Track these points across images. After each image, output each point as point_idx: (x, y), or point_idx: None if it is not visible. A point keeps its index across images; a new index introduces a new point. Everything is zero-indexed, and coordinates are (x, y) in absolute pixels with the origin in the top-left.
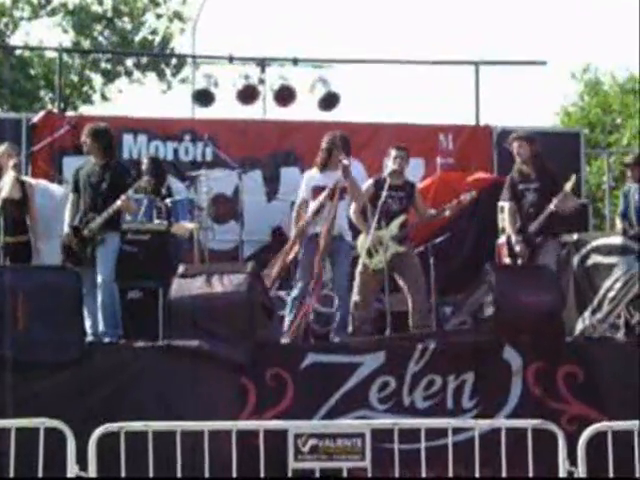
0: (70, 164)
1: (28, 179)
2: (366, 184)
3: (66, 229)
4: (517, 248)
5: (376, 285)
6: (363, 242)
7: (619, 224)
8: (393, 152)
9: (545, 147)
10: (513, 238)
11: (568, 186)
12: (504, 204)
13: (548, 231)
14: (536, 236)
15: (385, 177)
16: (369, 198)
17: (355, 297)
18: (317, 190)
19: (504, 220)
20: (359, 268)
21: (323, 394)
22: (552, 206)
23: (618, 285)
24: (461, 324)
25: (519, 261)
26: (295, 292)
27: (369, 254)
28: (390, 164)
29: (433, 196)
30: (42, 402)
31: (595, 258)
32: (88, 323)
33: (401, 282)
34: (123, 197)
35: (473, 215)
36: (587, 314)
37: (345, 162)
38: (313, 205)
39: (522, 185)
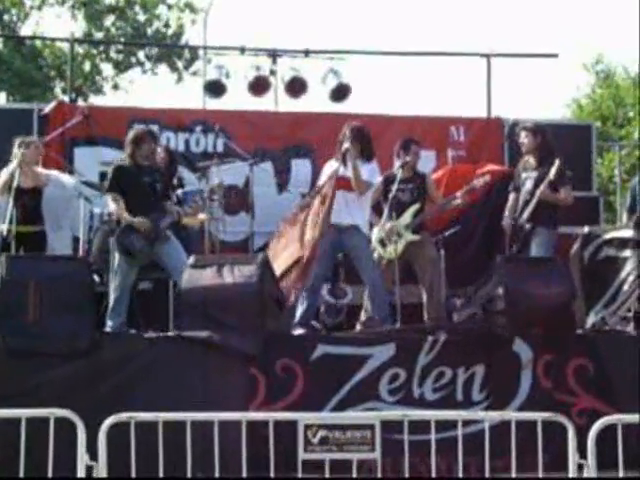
0: (81, 154)
1: (41, 169)
2: (377, 181)
3: (145, 225)
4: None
5: (390, 275)
6: (376, 234)
7: (625, 218)
8: (404, 145)
9: (556, 139)
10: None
11: (551, 173)
12: (511, 195)
13: (537, 220)
14: (526, 222)
15: (395, 172)
16: (380, 193)
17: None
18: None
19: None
20: (374, 259)
21: (333, 385)
22: (538, 193)
23: (631, 278)
24: (471, 316)
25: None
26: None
27: (382, 244)
28: (401, 157)
29: (444, 188)
30: (52, 392)
31: (607, 251)
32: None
33: (417, 271)
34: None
35: (484, 207)
36: (599, 307)
37: (345, 145)
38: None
39: (524, 174)
